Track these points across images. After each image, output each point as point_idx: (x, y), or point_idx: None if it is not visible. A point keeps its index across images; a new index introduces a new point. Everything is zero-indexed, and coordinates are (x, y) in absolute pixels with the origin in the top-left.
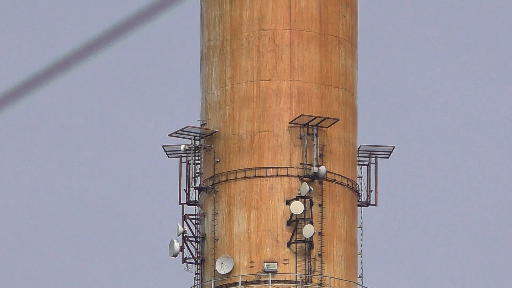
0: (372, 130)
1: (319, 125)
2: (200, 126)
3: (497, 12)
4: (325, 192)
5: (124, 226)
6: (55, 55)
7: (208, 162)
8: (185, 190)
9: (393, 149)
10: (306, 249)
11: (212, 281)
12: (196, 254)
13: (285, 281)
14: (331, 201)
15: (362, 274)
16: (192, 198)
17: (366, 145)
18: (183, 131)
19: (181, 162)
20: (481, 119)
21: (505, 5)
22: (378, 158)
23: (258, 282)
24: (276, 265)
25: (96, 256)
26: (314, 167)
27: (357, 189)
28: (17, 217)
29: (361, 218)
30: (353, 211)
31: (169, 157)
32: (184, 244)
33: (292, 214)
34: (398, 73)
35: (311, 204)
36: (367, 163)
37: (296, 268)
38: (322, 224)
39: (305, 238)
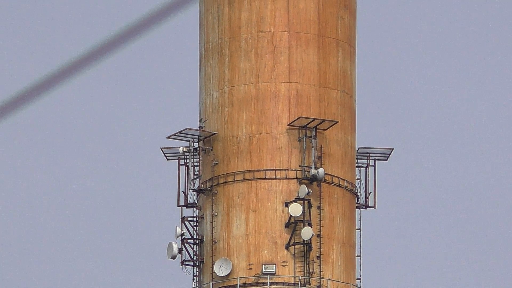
0: (370, 132)
1: (317, 127)
2: (198, 128)
3: (496, 15)
4: (324, 194)
5: (122, 228)
6: (55, 59)
7: (207, 164)
8: (184, 192)
9: (392, 151)
10: (305, 251)
11: (211, 283)
12: (195, 256)
13: (283, 283)
14: (330, 203)
15: (360, 276)
16: (190, 200)
17: (365, 147)
18: (182, 133)
19: (179, 164)
20: (479, 122)
21: (505, 5)
22: (376, 160)
23: (257, 284)
24: (274, 267)
25: (94, 258)
26: (313, 169)
27: (356, 191)
28: (15, 220)
29: (360, 220)
30: (351, 213)
31: (167, 159)
32: (183, 246)
33: (291, 216)
34: (396, 75)
35: (310, 206)
36: (365, 165)
37: (295, 270)
38: (320, 226)
39: (304, 240)
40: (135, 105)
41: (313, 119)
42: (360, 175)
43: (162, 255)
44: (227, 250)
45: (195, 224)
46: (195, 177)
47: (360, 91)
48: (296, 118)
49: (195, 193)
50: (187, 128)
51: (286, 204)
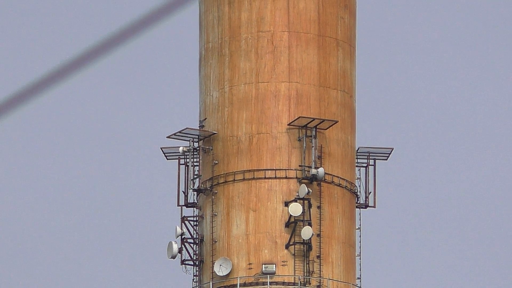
0: (370, 132)
1: (317, 127)
2: (198, 128)
3: (496, 15)
4: (324, 194)
5: (122, 228)
6: (54, 58)
7: (207, 164)
8: (184, 192)
9: (392, 151)
10: (305, 251)
11: (211, 283)
12: (195, 256)
13: (283, 283)
14: (330, 203)
15: (360, 276)
16: (190, 200)
17: (365, 147)
18: (182, 133)
19: (179, 164)
20: (480, 122)
21: (505, 5)
22: (376, 160)
23: (257, 284)
24: (274, 267)
25: (94, 258)
26: (313, 169)
27: (356, 191)
28: (15, 220)
29: (360, 220)
30: (351, 213)
31: (167, 159)
32: (183, 246)
33: (291, 216)
34: (396, 75)
35: (310, 206)
36: (365, 165)
37: (295, 270)
38: (320, 226)
39: (304, 240)
40: (135, 105)
41: (313, 119)
42: (360, 175)
43: (162, 255)
44: (227, 250)
45: (195, 223)
46: (195, 176)
47: (360, 91)
48: (296, 117)
49: (195, 192)
50: (187, 128)
51: (286, 204)
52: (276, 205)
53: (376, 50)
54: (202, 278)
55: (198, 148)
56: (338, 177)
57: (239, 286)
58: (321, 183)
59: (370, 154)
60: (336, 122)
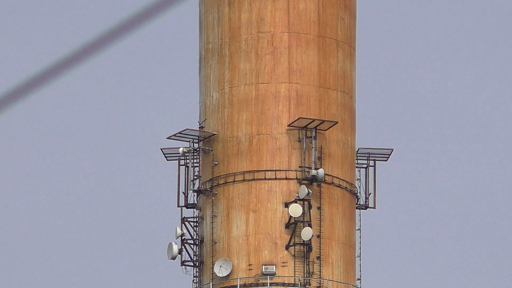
0: (370, 133)
1: (317, 127)
2: (198, 129)
3: (496, 15)
4: (324, 195)
5: (122, 229)
6: (53, 56)
7: (207, 165)
8: (184, 193)
9: (392, 151)
10: (305, 251)
11: (211, 284)
12: (195, 256)
13: (283, 284)
14: (330, 204)
15: (360, 277)
16: (190, 201)
17: (365, 148)
18: (182, 133)
19: (179, 164)
20: (480, 122)
21: (505, 5)
22: (376, 161)
23: (257, 284)
24: (274, 268)
25: (94, 258)
26: (313, 170)
27: (356, 191)
28: (15, 220)
29: (360, 220)
30: (351, 213)
31: (167, 160)
32: (183, 247)
33: (291, 216)
34: (396, 75)
35: (310, 206)
36: (365, 165)
37: (295, 271)
38: (320, 226)
39: (304, 240)
40: (135, 105)
41: (313, 120)
42: (360, 176)
43: (162, 256)
44: (227, 251)
45: (195, 224)
46: (195, 177)
47: (360, 92)
48: (296, 118)
49: (195, 193)
50: (187, 129)
51: (286, 205)
52: (276, 206)
53: (376, 51)
54: (202, 279)
55: (198, 149)
56: (338, 178)
57: (239, 287)
58: (321, 184)
59: (370, 155)
60: (336, 123)
